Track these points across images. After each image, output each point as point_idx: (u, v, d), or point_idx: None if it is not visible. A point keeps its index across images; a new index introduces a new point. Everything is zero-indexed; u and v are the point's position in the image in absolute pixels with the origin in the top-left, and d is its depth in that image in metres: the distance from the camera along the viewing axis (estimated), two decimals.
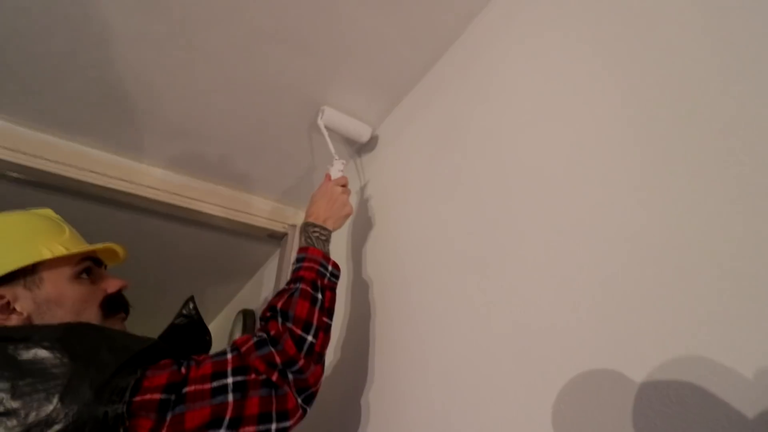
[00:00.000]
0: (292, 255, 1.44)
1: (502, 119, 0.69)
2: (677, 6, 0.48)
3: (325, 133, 1.03)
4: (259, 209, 1.44)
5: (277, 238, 1.51)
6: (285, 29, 0.85)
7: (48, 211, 0.71)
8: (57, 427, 0.45)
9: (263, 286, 1.84)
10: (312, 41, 0.88)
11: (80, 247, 0.66)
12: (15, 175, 1.18)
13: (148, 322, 1.75)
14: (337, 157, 0.98)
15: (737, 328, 0.35)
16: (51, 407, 0.45)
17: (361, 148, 1.19)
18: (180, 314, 0.72)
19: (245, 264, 1.94)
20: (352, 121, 1.08)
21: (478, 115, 0.75)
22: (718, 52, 0.43)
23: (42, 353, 0.49)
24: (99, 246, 0.68)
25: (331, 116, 1.04)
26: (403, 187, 0.94)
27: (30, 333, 0.52)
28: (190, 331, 0.70)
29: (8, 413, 0.45)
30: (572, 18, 0.62)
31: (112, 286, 0.68)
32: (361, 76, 0.97)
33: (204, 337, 0.70)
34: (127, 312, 0.70)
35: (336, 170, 0.96)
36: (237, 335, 1.79)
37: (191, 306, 0.72)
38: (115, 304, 0.67)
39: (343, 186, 0.90)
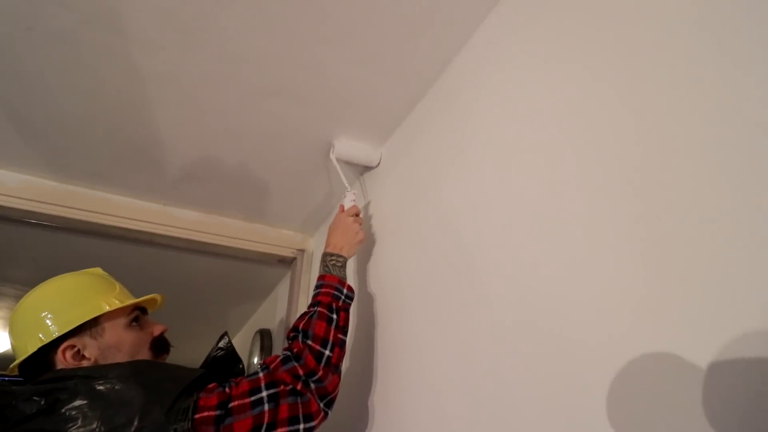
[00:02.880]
0: (302, 277, 1.58)
1: (473, 158, 0.81)
2: (661, 50, 0.48)
3: (337, 166, 1.10)
4: (269, 237, 1.57)
5: (286, 262, 1.64)
6: (279, 86, 0.97)
7: (98, 270, 0.84)
8: None
9: (277, 306, 1.97)
10: (305, 93, 1.00)
11: (130, 299, 0.79)
12: (47, 223, 1.32)
13: (176, 341, 1.89)
14: (348, 189, 1.06)
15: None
16: (132, 429, 0.58)
17: (364, 170, 1.24)
18: (217, 347, 0.85)
19: (260, 287, 2.08)
20: (363, 148, 1.14)
21: (454, 153, 0.87)
22: (710, 112, 0.43)
23: (119, 386, 0.62)
24: (145, 298, 0.82)
25: (341, 148, 1.11)
26: (397, 215, 1.04)
27: (105, 371, 0.65)
28: (226, 361, 0.83)
29: None
30: (539, 60, 0.66)
31: (156, 330, 0.81)
32: (354, 118, 1.09)
33: (237, 365, 0.83)
34: (168, 352, 0.83)
35: (348, 201, 1.04)
36: (256, 353, 1.94)
37: (227, 340, 0.85)
38: (161, 345, 0.80)
39: (356, 215, 1.01)
